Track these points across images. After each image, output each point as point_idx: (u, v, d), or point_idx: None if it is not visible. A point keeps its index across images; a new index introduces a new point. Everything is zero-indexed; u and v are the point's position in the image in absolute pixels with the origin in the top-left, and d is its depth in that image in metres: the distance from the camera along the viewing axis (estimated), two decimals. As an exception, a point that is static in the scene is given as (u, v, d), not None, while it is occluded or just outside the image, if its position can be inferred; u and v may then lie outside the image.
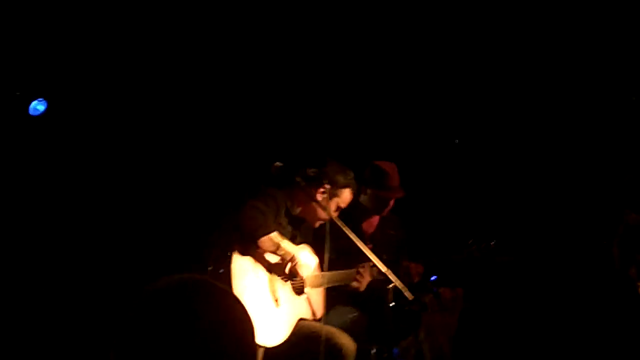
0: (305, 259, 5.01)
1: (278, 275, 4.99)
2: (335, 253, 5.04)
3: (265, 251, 4.86)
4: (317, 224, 5.19)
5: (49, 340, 5.46)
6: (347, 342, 4.90)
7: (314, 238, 5.28)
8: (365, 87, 6.50)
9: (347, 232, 4.67)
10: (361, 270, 5.08)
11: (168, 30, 5.88)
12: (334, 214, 4.95)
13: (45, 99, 5.83)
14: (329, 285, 5.04)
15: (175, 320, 1.75)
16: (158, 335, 1.71)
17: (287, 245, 4.91)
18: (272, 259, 4.93)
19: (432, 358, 5.35)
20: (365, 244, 4.88)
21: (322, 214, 5.12)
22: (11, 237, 5.74)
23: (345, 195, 5.13)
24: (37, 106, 5.83)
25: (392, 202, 5.70)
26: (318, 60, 6.32)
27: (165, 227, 6.14)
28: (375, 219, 5.82)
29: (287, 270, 4.93)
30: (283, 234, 5.01)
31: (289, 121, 6.46)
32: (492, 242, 5.19)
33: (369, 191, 5.64)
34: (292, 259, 4.86)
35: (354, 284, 5.09)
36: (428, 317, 5.37)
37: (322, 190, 5.08)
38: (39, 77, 5.74)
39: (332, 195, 5.01)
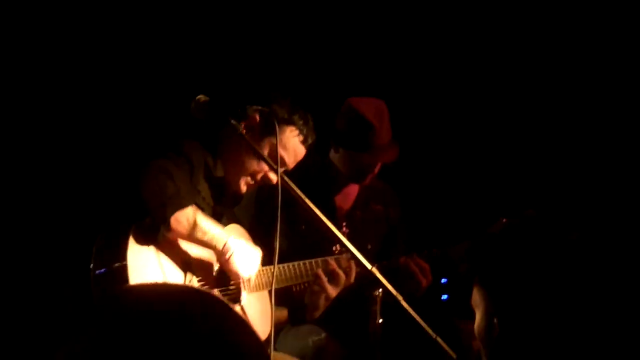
0: (242, 250, 3.54)
1: (198, 278, 3.59)
2: (290, 239, 3.87)
3: (178, 238, 3.48)
4: (244, 187, 3.65)
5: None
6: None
7: (256, 215, 3.93)
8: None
9: (308, 207, 3.23)
10: (331, 264, 3.75)
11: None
12: (272, 177, 3.54)
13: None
14: (280, 286, 3.72)
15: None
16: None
17: (213, 228, 3.47)
18: (191, 249, 3.55)
19: None
20: (339, 226, 3.79)
21: (253, 165, 3.61)
22: None
23: (291, 143, 3.63)
24: None
25: (378, 167, 4.08)
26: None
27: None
28: (354, 189, 4.17)
29: (214, 272, 3.59)
30: (203, 208, 3.57)
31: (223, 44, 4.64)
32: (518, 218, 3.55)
33: (341, 149, 4.05)
34: (222, 252, 3.46)
35: (318, 286, 3.75)
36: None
37: (249, 124, 3.57)
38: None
39: (267, 133, 3.53)
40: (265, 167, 3.51)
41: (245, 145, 3.44)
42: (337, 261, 3.76)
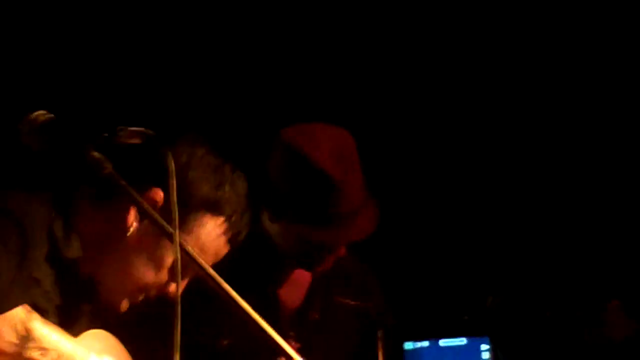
0: None
1: None
2: (202, 357, 2.63)
3: None
4: (124, 304, 2.29)
5: None
6: None
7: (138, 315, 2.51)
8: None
9: (234, 303, 2.04)
10: None
11: None
12: (173, 289, 2.18)
13: None
14: None
15: None
16: None
17: (59, 341, 2.17)
18: None
19: None
20: (285, 333, 2.46)
21: (148, 274, 2.26)
22: None
23: (214, 241, 2.28)
24: None
25: (341, 250, 2.71)
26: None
27: None
28: (305, 276, 2.82)
29: None
30: (46, 309, 2.24)
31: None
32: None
33: (282, 222, 2.65)
34: None
35: None
36: None
37: (136, 210, 2.18)
38: None
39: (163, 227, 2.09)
40: (166, 276, 2.23)
41: (141, 235, 2.17)
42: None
